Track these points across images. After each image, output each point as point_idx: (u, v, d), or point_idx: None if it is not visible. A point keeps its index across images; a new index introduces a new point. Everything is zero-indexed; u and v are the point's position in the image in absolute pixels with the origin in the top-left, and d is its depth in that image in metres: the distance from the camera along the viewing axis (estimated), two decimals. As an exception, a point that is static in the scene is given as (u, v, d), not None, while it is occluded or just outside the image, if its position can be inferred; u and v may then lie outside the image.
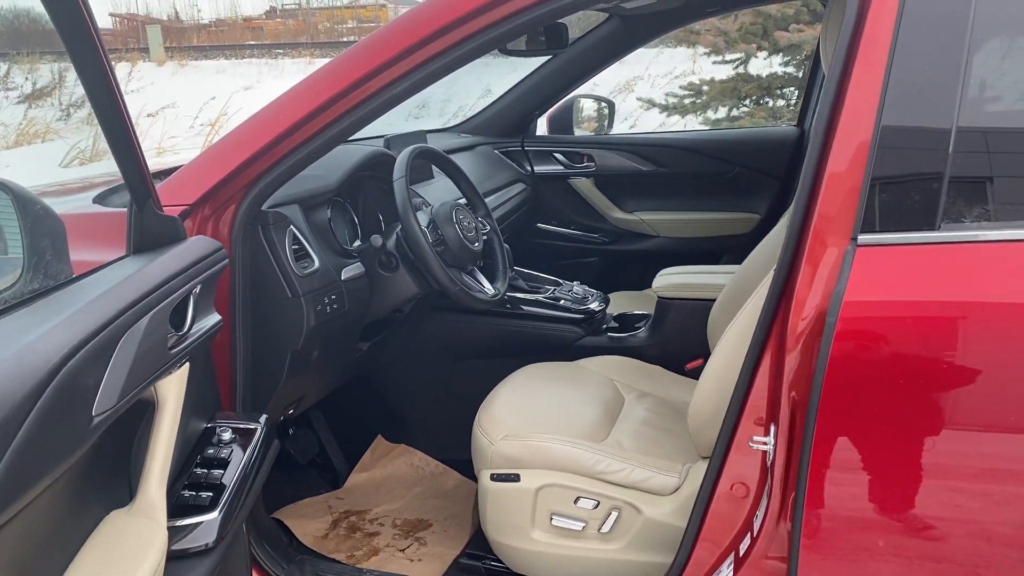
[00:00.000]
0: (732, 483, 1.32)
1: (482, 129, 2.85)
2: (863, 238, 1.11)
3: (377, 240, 1.76)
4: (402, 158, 1.78)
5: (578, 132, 3.04)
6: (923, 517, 1.12)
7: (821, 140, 1.17)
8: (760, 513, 1.28)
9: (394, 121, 3.51)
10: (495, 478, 1.64)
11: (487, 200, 2.51)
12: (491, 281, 1.95)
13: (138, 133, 1.09)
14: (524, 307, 2.20)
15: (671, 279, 2.12)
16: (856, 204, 1.12)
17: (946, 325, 1.09)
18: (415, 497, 2.15)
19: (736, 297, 1.60)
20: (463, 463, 2.01)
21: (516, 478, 1.62)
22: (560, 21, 2.14)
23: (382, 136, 2.28)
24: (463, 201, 2.02)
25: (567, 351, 2.13)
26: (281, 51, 16.98)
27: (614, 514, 1.56)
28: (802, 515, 1.14)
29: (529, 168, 2.88)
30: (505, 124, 2.86)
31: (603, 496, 1.57)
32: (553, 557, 1.61)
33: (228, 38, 21.36)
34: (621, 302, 2.44)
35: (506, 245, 2.19)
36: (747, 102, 5.11)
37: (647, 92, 7.28)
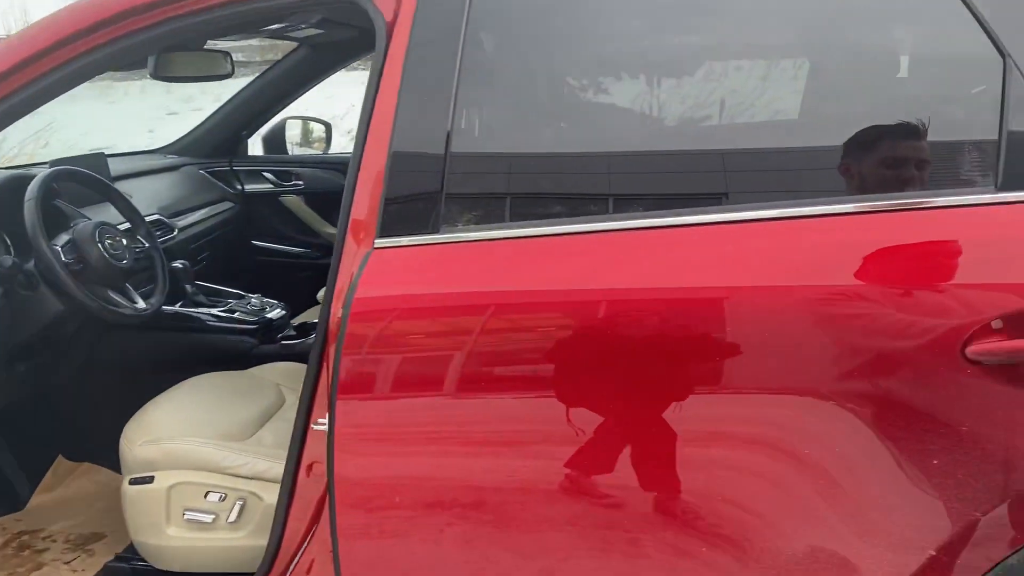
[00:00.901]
0: (311, 462, 1.49)
1: (189, 150, 2.92)
2: (378, 242, 1.32)
3: (7, 260, 1.80)
4: (36, 180, 1.84)
5: (298, 151, 3.17)
6: (426, 477, 1.32)
7: (356, 163, 1.37)
8: (332, 487, 1.45)
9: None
10: (132, 482, 1.74)
11: (189, 218, 2.59)
12: (147, 297, 2.03)
13: None
14: (206, 321, 2.29)
15: (337, 287, 2.29)
16: (376, 214, 1.32)
17: (445, 311, 1.31)
18: (96, 512, 2.19)
19: None
20: None
21: (150, 480, 1.72)
22: (222, 50, 2.26)
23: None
24: (125, 224, 2.09)
25: (243, 360, 2.24)
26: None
27: (239, 504, 1.69)
28: (333, 479, 1.32)
29: (239, 187, 2.98)
30: (213, 145, 2.94)
31: (229, 489, 1.70)
32: (188, 550, 1.72)
33: (15, 55, 19.82)
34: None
35: (183, 262, 2.28)
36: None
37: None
